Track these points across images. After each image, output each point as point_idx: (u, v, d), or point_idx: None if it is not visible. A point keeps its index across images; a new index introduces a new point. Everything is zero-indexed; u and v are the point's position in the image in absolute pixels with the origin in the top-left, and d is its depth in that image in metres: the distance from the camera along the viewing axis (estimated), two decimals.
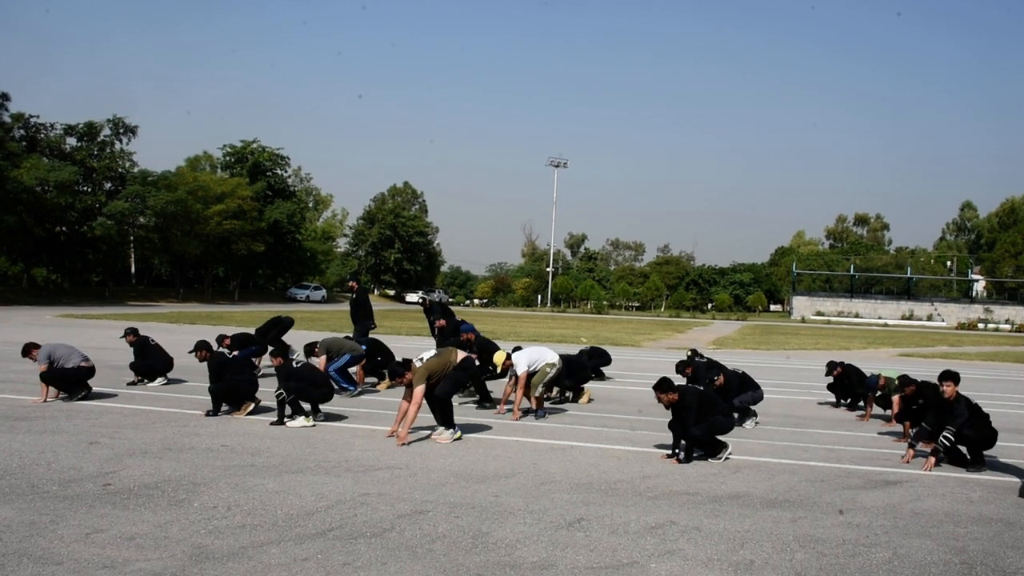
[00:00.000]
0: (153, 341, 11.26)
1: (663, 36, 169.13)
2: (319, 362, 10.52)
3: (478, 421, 8.96)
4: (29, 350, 9.41)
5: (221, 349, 11.27)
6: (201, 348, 9.34)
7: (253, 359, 11.97)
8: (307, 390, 8.47)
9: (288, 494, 5.64)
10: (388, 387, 11.60)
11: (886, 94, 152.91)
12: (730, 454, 7.35)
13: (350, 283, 13.78)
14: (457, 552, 4.57)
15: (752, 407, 9.52)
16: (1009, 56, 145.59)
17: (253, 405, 8.87)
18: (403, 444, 7.46)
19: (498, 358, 9.58)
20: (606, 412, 10.11)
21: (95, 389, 9.76)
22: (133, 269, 61.56)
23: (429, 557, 4.47)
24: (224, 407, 8.86)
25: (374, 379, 11.99)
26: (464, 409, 9.73)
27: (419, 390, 7.53)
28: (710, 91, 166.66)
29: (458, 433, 7.87)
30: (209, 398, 8.89)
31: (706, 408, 7.32)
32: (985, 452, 7.44)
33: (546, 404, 9.86)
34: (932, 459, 7.22)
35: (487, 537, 4.85)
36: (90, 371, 9.57)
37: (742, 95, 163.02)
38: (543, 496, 5.86)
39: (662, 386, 7.28)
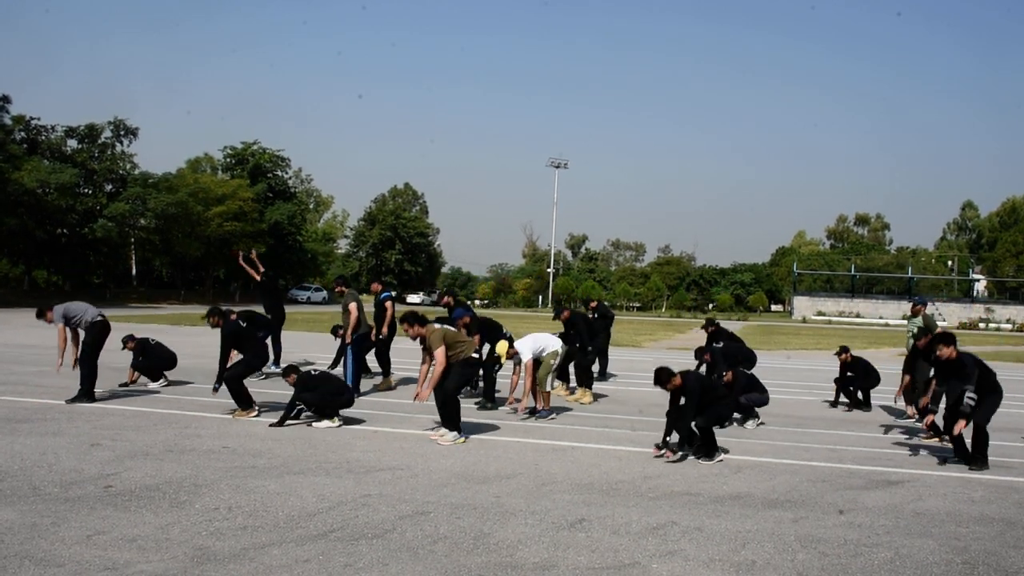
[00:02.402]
0: (153, 340, 11.26)
1: (663, 36, 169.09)
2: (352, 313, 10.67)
3: (479, 422, 8.95)
4: (43, 312, 9.44)
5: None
6: (214, 315, 9.28)
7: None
8: (329, 401, 8.38)
9: (289, 495, 5.65)
10: (390, 387, 11.62)
11: (886, 94, 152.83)
12: (721, 459, 7.32)
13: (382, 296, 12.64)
14: (458, 553, 4.57)
15: (756, 408, 9.52)
16: (1009, 56, 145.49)
17: (256, 411, 8.84)
18: (423, 401, 7.74)
19: (500, 348, 9.56)
20: (607, 412, 10.10)
21: (96, 391, 9.73)
22: (134, 271, 61.60)
23: (431, 558, 4.47)
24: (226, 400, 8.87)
25: (379, 377, 11.99)
26: (466, 410, 9.74)
27: (440, 352, 7.64)
28: (710, 91, 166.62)
29: (462, 438, 7.85)
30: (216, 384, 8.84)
31: (708, 394, 7.37)
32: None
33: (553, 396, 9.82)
34: (963, 421, 7.12)
35: (488, 538, 4.85)
36: (105, 325, 9.61)
37: (742, 95, 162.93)
38: (544, 497, 5.86)
39: (660, 378, 7.32)
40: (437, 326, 8.05)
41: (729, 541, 4.95)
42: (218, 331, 9.11)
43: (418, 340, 7.95)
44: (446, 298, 11.98)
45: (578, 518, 5.33)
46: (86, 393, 9.39)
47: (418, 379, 8.08)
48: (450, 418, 7.85)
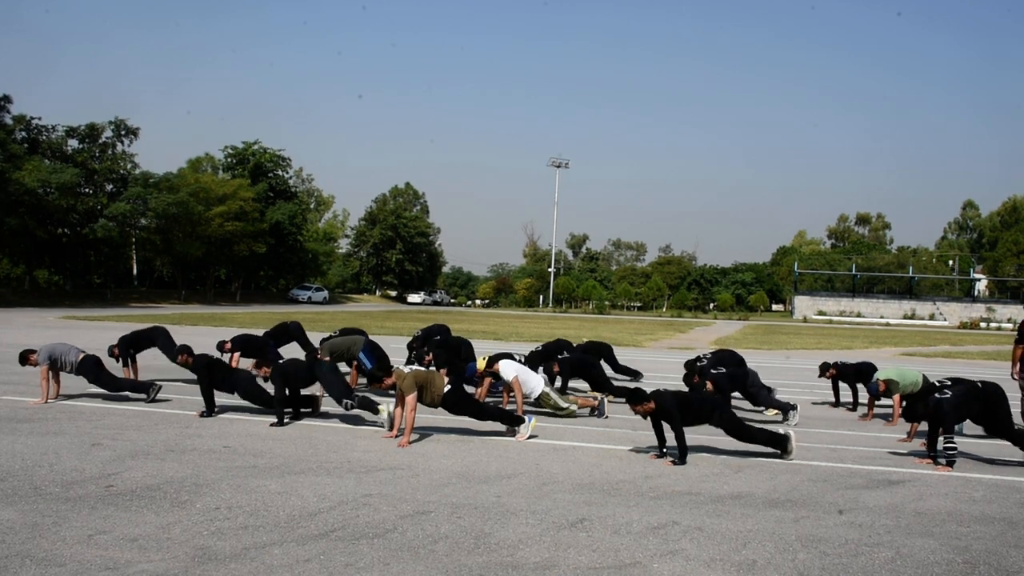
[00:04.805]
0: (131, 335, 11.21)
1: (663, 36, 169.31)
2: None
3: (480, 422, 8.94)
4: (27, 356, 9.24)
5: (224, 355, 11.23)
6: (183, 352, 9.07)
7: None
8: (303, 384, 8.68)
9: (290, 495, 5.65)
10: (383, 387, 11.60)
11: (886, 94, 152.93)
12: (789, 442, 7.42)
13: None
14: (459, 553, 4.57)
15: (782, 401, 9.65)
16: (1009, 55, 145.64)
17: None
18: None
19: (480, 363, 9.53)
20: (608, 412, 10.09)
21: (97, 390, 9.75)
22: (135, 271, 61.60)
23: (431, 558, 4.47)
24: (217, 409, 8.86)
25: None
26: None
27: (411, 398, 7.51)
28: (710, 91, 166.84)
29: (533, 420, 8.12)
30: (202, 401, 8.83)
31: (689, 412, 7.18)
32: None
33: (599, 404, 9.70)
34: (949, 468, 7.10)
35: (489, 537, 4.85)
36: (93, 360, 9.44)
37: (742, 95, 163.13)
38: (545, 496, 5.86)
39: (634, 398, 7.12)
40: (405, 370, 7.85)
41: (730, 541, 4.95)
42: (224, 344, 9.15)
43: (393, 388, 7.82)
44: (428, 356, 11.36)
45: (579, 518, 5.33)
46: (140, 391, 9.49)
47: (392, 422, 7.94)
48: (504, 419, 8.09)
